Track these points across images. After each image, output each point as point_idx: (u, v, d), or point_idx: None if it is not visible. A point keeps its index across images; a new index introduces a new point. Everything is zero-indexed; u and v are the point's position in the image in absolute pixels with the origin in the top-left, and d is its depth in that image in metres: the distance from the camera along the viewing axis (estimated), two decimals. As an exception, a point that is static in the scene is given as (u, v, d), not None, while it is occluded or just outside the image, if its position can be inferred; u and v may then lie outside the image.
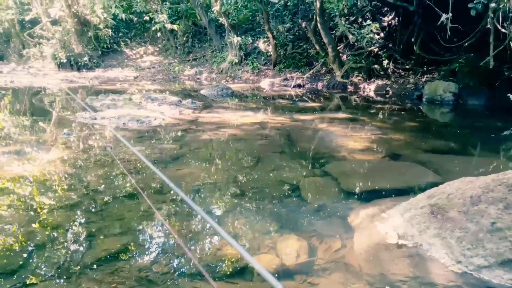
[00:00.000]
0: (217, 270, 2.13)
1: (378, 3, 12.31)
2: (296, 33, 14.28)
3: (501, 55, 7.72)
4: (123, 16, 15.34)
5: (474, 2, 6.68)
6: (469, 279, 1.85)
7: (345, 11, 10.46)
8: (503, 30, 7.14)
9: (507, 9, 6.47)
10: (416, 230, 2.13)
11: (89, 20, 16.46)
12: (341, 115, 7.21)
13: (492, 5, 6.89)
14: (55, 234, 2.46)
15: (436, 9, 7.47)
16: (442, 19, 7.30)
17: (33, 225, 2.57)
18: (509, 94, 6.14)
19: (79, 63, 16.35)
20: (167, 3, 15.35)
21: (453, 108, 8.37)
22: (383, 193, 3.11)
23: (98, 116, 5.65)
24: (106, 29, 16.78)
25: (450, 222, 2.03)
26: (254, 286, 2.00)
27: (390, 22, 12.75)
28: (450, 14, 7.18)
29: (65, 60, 16.10)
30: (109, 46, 17.59)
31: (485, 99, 8.54)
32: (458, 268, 1.88)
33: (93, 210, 2.82)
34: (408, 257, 2.04)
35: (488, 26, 7.58)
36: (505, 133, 5.86)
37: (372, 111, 7.91)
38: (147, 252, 2.28)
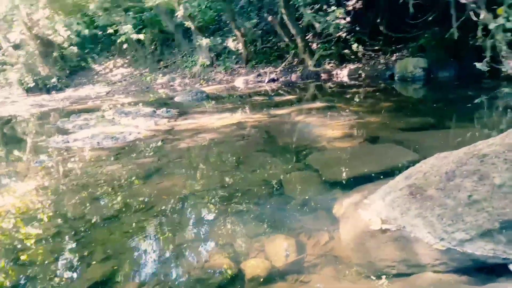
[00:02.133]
0: (208, 282, 2.10)
1: (340, -12, 12.38)
2: (264, 28, 14.23)
3: (465, 25, 7.88)
4: (86, 32, 14.98)
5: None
6: (454, 254, 1.87)
7: (309, 0, 10.47)
8: (462, 0, 7.27)
9: (464, -20, 6.59)
10: (398, 212, 2.15)
11: (52, 40, 15.99)
12: (317, 104, 7.23)
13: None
14: (40, 267, 2.39)
15: (396, -13, 7.56)
16: (403, -3, 7.39)
17: (20, 258, 2.48)
18: (475, 63, 6.27)
19: (48, 86, 15.89)
20: (130, 13, 15.05)
21: (425, 83, 8.52)
22: (365, 178, 3.13)
23: (71, 138, 5.50)
24: (71, 47, 16.35)
25: (429, 201, 2.06)
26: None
27: (354, 5, 12.84)
28: (411, -9, 7.28)
29: (32, 84, 15.61)
30: (76, 64, 17.15)
31: (455, 70, 8.72)
32: (442, 245, 1.90)
33: (76, 237, 2.75)
34: (394, 241, 2.06)
35: (448, -2, 7.71)
36: (476, 101, 6.01)
37: (348, 96, 7.98)
38: (133, 275, 2.23)
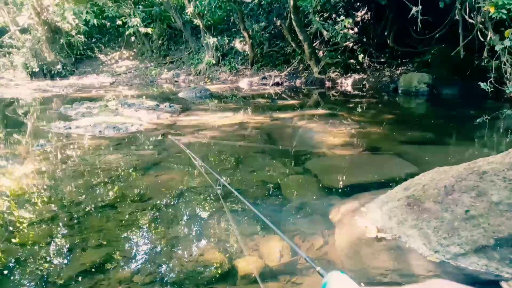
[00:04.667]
0: (200, 276, 2.11)
1: (350, -1, 12.47)
2: (272, 32, 14.31)
3: (471, 44, 7.94)
4: (95, 21, 15.01)
5: (442, -6, 6.85)
6: (447, 267, 1.89)
7: (318, 8, 10.54)
8: (470, 20, 7.34)
9: (473, 0, 6.65)
10: (395, 222, 2.16)
11: (60, 27, 16.01)
12: (320, 111, 7.27)
13: (459, -4, 7.07)
14: (33, 250, 2.39)
15: (407, 2, 7.61)
16: (412, 12, 7.45)
17: (13, 240, 2.48)
18: (479, 83, 6.31)
19: (52, 72, 15.91)
20: (140, 6, 15.12)
21: (428, 99, 8.56)
22: (363, 187, 3.14)
23: (73, 125, 5.51)
24: (78, 35, 16.37)
25: (426, 213, 2.07)
26: (238, 290, 1.99)
27: (363, 17, 12.93)
28: (420, 7, 7.34)
29: (37, 69, 15.63)
30: (82, 52, 17.18)
31: (458, 88, 8.77)
32: (436, 257, 1.92)
33: (71, 222, 2.75)
34: (388, 250, 2.07)
35: (457, 17, 7.78)
36: (478, 120, 6.04)
37: (350, 106, 8.01)
38: (127, 263, 2.24)
